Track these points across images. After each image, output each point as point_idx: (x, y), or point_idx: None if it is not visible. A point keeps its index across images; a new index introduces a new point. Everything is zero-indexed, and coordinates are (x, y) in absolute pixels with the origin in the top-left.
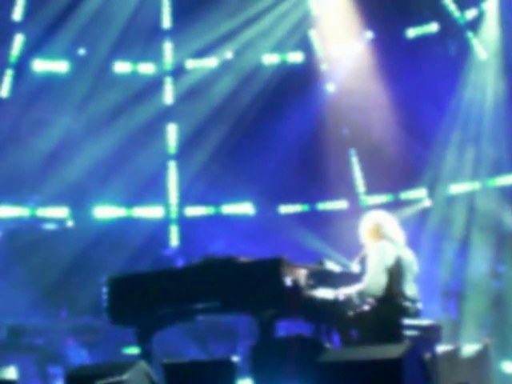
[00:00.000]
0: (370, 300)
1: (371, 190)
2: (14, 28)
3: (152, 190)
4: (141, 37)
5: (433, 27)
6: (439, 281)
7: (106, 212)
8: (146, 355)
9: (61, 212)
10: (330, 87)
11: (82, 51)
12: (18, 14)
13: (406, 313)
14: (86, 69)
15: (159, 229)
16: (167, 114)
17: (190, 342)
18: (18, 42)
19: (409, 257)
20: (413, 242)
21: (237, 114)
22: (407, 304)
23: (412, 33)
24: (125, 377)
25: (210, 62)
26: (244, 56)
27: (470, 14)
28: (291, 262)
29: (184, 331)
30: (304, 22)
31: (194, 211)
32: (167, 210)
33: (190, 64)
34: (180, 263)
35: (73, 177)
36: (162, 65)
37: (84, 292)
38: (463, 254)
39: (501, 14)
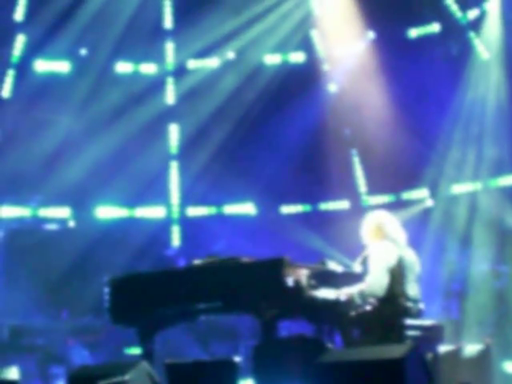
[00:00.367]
0: (372, 300)
1: (373, 190)
2: (15, 28)
3: (154, 190)
4: (142, 37)
5: (435, 27)
6: (441, 281)
7: (107, 212)
8: (147, 355)
9: (62, 212)
10: (332, 87)
11: (83, 51)
12: (19, 14)
13: (407, 313)
14: (88, 69)
15: (161, 229)
16: (169, 114)
17: (191, 342)
18: (20, 42)
19: (411, 257)
20: (415, 242)
21: (238, 114)
22: (409, 304)
23: (414, 33)
24: (127, 377)
25: (212, 62)
26: (245, 56)
27: (472, 14)
28: (293, 262)
29: (186, 331)
30: (306, 22)
31: (196, 211)
32: (169, 210)
33: (192, 64)
34: (182, 263)
35: (74, 177)
36: (163, 65)
37: (86, 292)
38: (465, 253)
39: (503, 14)
